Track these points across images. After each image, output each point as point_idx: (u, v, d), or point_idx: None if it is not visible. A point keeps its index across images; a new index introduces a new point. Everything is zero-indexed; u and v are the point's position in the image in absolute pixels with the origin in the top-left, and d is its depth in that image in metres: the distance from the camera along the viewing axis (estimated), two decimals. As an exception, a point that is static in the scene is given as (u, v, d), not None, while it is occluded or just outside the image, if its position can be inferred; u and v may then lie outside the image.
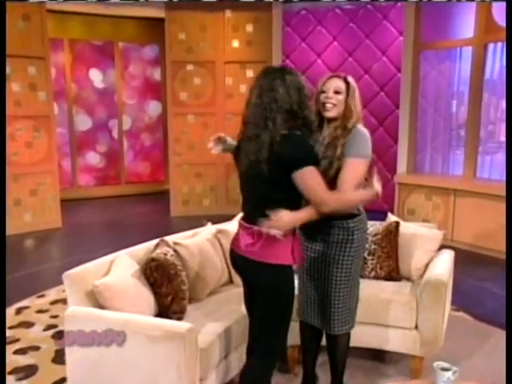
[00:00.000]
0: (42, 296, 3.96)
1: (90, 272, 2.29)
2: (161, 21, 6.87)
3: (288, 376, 2.68)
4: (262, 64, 7.23)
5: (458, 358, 2.80)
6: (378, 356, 2.87)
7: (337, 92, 2.12)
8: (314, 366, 2.49)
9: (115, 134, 8.52)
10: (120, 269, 2.38)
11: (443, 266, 2.71)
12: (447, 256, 2.90)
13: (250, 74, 6.76)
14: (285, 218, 1.84)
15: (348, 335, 2.31)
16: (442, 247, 3.01)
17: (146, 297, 2.39)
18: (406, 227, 3.00)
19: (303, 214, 1.91)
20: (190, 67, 6.77)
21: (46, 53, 5.95)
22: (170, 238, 2.74)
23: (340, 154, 2.04)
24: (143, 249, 2.63)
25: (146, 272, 2.44)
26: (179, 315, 2.42)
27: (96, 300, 2.20)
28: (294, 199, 1.91)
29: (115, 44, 8.25)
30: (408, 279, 2.86)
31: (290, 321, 2.01)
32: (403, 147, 6.11)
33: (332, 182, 2.00)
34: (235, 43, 6.79)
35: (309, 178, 1.84)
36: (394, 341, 2.63)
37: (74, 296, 2.22)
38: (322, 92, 2.14)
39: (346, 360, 2.36)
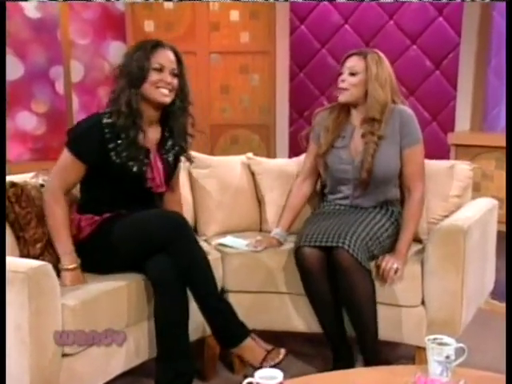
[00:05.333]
0: None
1: None
2: None
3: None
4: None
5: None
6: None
7: (352, 74, 2.53)
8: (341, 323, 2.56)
9: (60, 88, 8.52)
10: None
11: (467, 212, 2.54)
12: (481, 203, 2.73)
13: (244, -7, 6.67)
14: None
15: (369, 278, 2.41)
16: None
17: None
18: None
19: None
20: (157, -17, 6.77)
21: None
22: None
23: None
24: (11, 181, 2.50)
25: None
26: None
27: None
28: None
29: (58, -45, 8.31)
30: (418, 241, 2.70)
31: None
32: (466, 96, 5.94)
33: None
34: None
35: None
36: (390, 325, 2.48)
37: None
38: (340, 74, 2.58)
39: (375, 322, 2.45)
